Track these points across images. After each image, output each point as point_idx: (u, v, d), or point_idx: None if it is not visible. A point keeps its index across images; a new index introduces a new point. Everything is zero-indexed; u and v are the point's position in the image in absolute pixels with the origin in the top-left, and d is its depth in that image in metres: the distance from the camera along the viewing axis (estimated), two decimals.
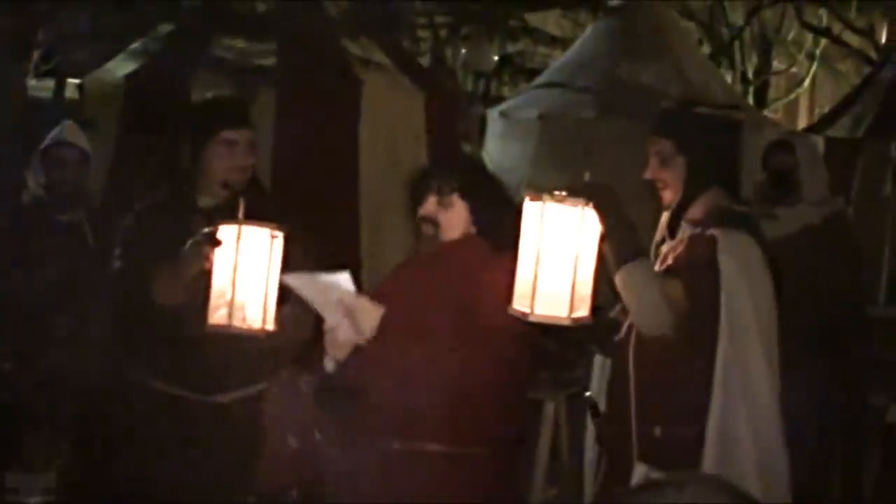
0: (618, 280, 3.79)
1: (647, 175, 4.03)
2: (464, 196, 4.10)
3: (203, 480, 4.47)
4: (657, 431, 3.93)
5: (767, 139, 7.01)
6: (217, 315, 3.97)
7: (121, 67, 9.08)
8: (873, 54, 19.98)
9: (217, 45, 8.89)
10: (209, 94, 7.22)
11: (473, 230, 4.12)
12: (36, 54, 12.39)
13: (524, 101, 12.64)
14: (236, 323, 3.97)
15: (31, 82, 12.96)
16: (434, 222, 4.10)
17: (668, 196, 4.02)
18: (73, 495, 5.32)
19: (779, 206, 6.10)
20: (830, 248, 6.10)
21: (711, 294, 3.83)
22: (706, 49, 20.49)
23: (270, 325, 4.01)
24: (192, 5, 9.42)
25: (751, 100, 20.16)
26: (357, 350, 3.97)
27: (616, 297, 3.94)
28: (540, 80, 13.22)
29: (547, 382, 6.52)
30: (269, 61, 8.81)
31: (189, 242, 4.11)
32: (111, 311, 4.84)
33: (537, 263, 3.54)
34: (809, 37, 21.99)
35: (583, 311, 3.59)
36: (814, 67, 22.35)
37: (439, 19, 13.25)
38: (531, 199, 3.58)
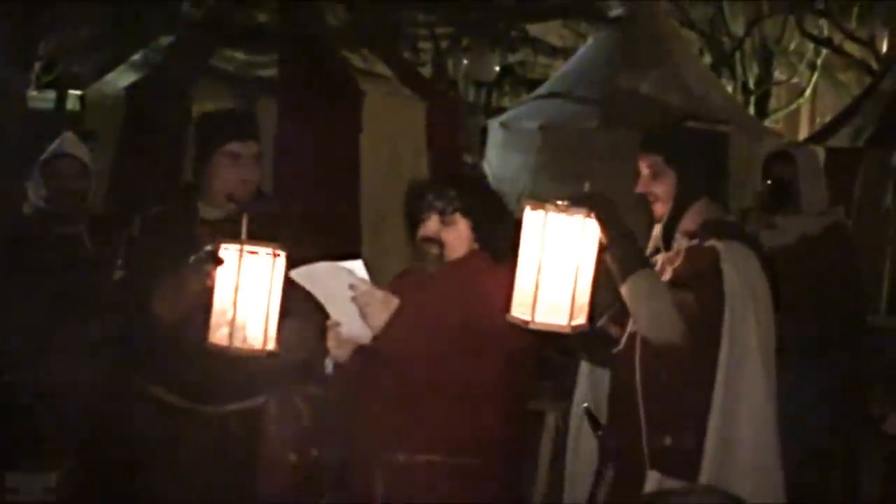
0: (625, 290, 3.81)
1: (639, 189, 4.09)
2: (465, 214, 4.11)
3: (201, 490, 4.46)
4: (667, 441, 3.94)
5: (768, 150, 7.01)
6: (218, 334, 3.96)
7: (122, 79, 9.09)
8: (874, 64, 20.00)
9: (218, 56, 8.90)
10: (214, 106, 7.24)
11: (476, 245, 4.12)
12: (37, 66, 12.42)
13: (525, 111, 12.66)
14: (237, 343, 3.95)
15: (33, 94, 12.99)
16: (438, 242, 4.09)
17: (660, 209, 4.07)
18: (73, 497, 5.34)
19: (779, 215, 6.10)
20: (830, 258, 6.11)
21: (718, 303, 3.86)
22: (707, 59, 20.53)
23: (272, 345, 3.99)
24: (193, 16, 9.43)
25: (752, 110, 20.19)
26: (359, 352, 3.97)
27: (602, 308, 3.98)
28: (541, 90, 13.25)
29: (549, 392, 6.51)
30: (271, 72, 8.82)
31: (191, 260, 4.11)
32: (111, 321, 4.83)
33: (539, 272, 3.55)
34: (810, 47, 22.02)
35: (581, 319, 3.62)
36: (815, 77, 22.37)
37: (440, 30, 13.26)
38: (532, 209, 3.60)
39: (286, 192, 7.92)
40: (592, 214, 3.64)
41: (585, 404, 4.24)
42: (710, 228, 3.98)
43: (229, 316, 3.94)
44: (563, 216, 3.59)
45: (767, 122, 19.85)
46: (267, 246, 3.97)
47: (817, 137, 12.76)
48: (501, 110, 15.19)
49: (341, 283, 3.86)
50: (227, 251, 3.96)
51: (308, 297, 3.97)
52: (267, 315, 3.96)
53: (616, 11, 12.75)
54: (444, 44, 16.93)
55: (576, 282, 3.58)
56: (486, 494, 4.01)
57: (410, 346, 3.90)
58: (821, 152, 11.32)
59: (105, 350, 5.30)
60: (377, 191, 8.66)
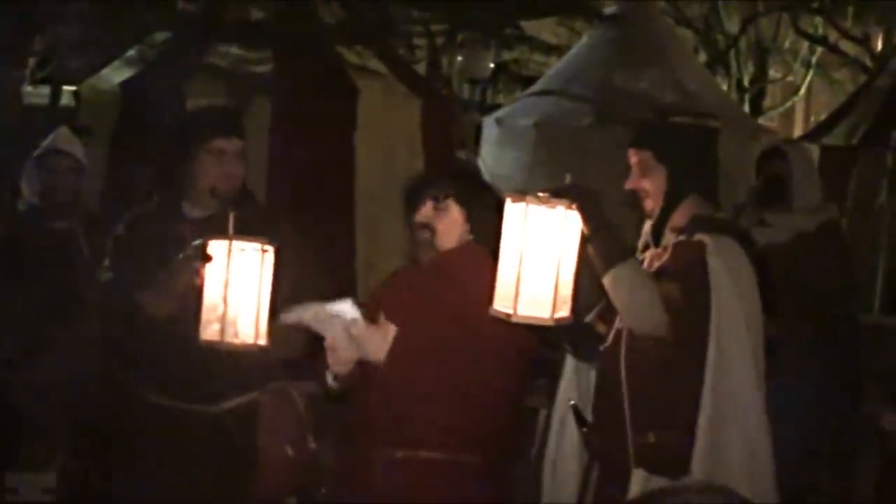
0: (608, 281, 3.81)
1: (629, 185, 4.10)
2: (459, 202, 4.11)
3: (199, 489, 4.46)
4: (651, 437, 3.95)
5: (762, 147, 7.01)
6: (209, 330, 3.97)
7: (116, 75, 9.08)
8: (869, 62, 20.04)
9: (213, 52, 8.89)
10: (209, 103, 7.22)
11: (470, 237, 4.12)
12: (32, 61, 12.40)
13: (520, 108, 12.66)
14: (228, 338, 3.96)
15: (27, 89, 12.97)
16: (430, 228, 4.10)
17: (650, 205, 4.08)
18: (73, 497, 5.33)
19: (772, 212, 6.10)
20: (824, 255, 6.10)
21: (703, 296, 3.87)
22: (702, 57, 20.52)
23: (263, 340, 4.00)
24: (187, 13, 9.42)
25: (747, 108, 20.20)
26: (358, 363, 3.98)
27: (591, 302, 3.98)
28: (535, 87, 13.24)
29: (543, 390, 6.51)
30: (265, 69, 8.81)
31: (179, 257, 4.10)
32: (102, 321, 4.82)
33: (520, 264, 3.56)
34: (805, 45, 22.04)
35: (564, 311, 3.62)
36: (810, 75, 22.40)
37: (435, 27, 13.25)
38: (513, 201, 3.61)
39: (280, 189, 7.92)
40: (574, 206, 3.65)
41: (572, 401, 4.24)
42: (699, 223, 3.98)
43: (220, 312, 3.94)
44: (544, 208, 3.59)
45: (762, 120, 19.86)
46: (255, 241, 3.97)
47: (812, 135, 12.75)
48: (496, 107, 15.18)
49: (334, 323, 3.90)
50: (216, 247, 3.97)
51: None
52: (258, 310, 3.97)
53: (611, 9, 12.74)
54: (439, 41, 16.92)
55: (558, 274, 3.58)
56: (482, 491, 4.02)
57: (414, 367, 3.94)
58: (815, 150, 11.34)
59: (98, 348, 5.30)
60: (372, 187, 8.66)
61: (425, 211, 4.11)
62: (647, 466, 3.95)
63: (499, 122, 12.44)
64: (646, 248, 4.13)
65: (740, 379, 3.90)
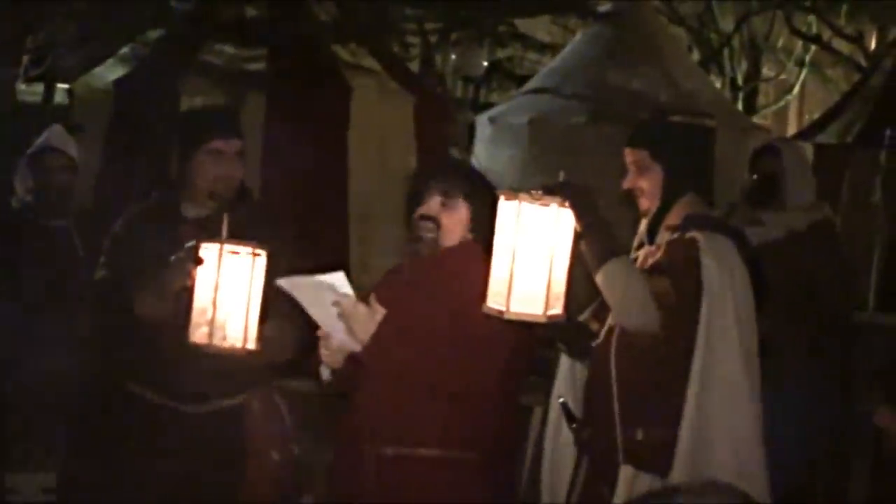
0: (599, 278, 3.83)
1: (626, 185, 4.11)
2: (469, 201, 4.10)
3: (187, 488, 4.45)
4: (640, 434, 3.96)
5: (755, 145, 7.00)
6: (198, 333, 3.97)
7: (110, 72, 9.08)
8: (863, 61, 20.04)
9: (206, 50, 8.89)
10: (199, 103, 7.21)
11: (470, 236, 4.11)
12: (25, 59, 12.39)
13: (514, 106, 12.66)
14: (217, 342, 3.96)
15: (21, 87, 12.97)
16: (436, 222, 4.08)
17: (646, 204, 4.09)
18: (73, 497, 5.32)
19: (765, 211, 6.09)
20: (817, 254, 6.10)
21: (694, 293, 3.88)
22: (696, 55, 20.52)
23: (252, 345, 3.99)
24: (181, 11, 9.42)
25: (740, 106, 20.21)
26: (352, 357, 3.97)
27: (585, 302, 3.99)
28: (529, 85, 13.23)
29: (536, 388, 6.50)
30: (259, 67, 8.81)
31: (172, 259, 4.10)
32: (94, 319, 4.81)
33: (513, 262, 3.57)
34: (799, 43, 22.04)
35: (557, 309, 3.63)
36: (803, 74, 22.39)
37: (429, 25, 13.25)
38: (506, 199, 3.62)
39: (274, 188, 7.91)
40: (567, 204, 3.65)
41: (561, 399, 4.25)
42: (693, 221, 4.00)
43: (209, 315, 3.94)
44: (536, 206, 3.60)
45: (756, 119, 19.85)
46: (247, 245, 3.97)
47: (806, 134, 12.77)
48: (490, 106, 15.16)
49: (325, 297, 3.87)
50: (208, 250, 3.96)
51: (290, 295, 3.97)
52: (247, 314, 3.97)
53: (605, 7, 12.73)
54: (432, 39, 16.91)
55: (551, 272, 3.59)
56: (477, 489, 4.01)
57: (398, 356, 3.91)
58: (809, 149, 11.35)
59: (91, 345, 5.30)
60: (365, 186, 8.67)
61: (433, 204, 4.09)
62: (635, 463, 3.97)
63: (492, 120, 12.44)
64: (640, 246, 4.14)
65: (729, 377, 3.90)
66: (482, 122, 12.71)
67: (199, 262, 3.96)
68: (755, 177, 6.21)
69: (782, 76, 23.16)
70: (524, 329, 3.78)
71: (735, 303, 3.92)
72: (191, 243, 4.02)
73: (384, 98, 9.11)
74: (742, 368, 3.92)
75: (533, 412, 6.57)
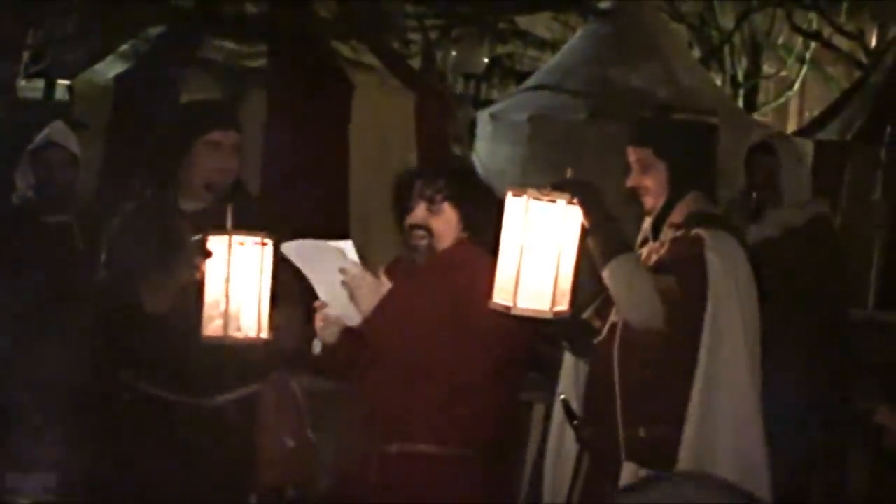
0: (606, 274, 3.83)
1: (630, 183, 4.12)
2: (453, 202, 4.09)
3: (202, 482, 4.45)
4: (642, 431, 3.97)
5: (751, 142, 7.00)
6: (212, 326, 3.98)
7: (110, 69, 9.09)
8: (863, 58, 20.02)
9: (207, 46, 8.89)
10: (196, 97, 7.21)
11: (464, 235, 4.11)
12: (26, 55, 12.39)
13: (514, 103, 12.66)
14: (232, 333, 3.98)
15: (21, 83, 12.96)
16: (426, 229, 4.08)
17: (650, 202, 4.10)
18: (73, 496, 5.32)
19: (762, 207, 6.09)
20: (814, 250, 6.09)
21: (701, 289, 3.89)
22: (696, 52, 20.49)
23: (266, 333, 4.01)
24: (182, 7, 9.42)
25: (740, 103, 20.18)
26: (347, 335, 3.96)
27: (588, 299, 3.99)
28: (530, 82, 13.23)
29: (539, 384, 6.51)
30: (260, 63, 8.82)
31: (180, 253, 4.10)
32: (99, 316, 4.81)
33: (521, 258, 3.57)
34: (799, 40, 22.00)
35: (563, 305, 3.63)
36: (804, 71, 22.35)
37: (429, 21, 13.24)
38: (514, 195, 3.62)
39: (274, 183, 7.92)
40: (575, 200, 3.65)
41: (563, 396, 4.25)
42: (696, 219, 4.00)
43: (222, 307, 3.95)
44: (544, 202, 3.61)
45: (756, 116, 19.84)
46: (255, 235, 3.98)
47: (806, 131, 12.79)
48: (490, 102, 15.15)
49: (331, 263, 3.85)
50: (216, 243, 3.96)
51: (295, 281, 3.97)
52: (259, 303, 3.98)
53: (605, 4, 12.73)
54: (433, 35, 16.89)
55: (558, 268, 3.59)
56: (478, 485, 4.01)
57: (398, 332, 3.90)
58: (810, 146, 11.36)
59: (94, 342, 5.30)
60: (366, 182, 8.66)
61: (419, 212, 4.08)
62: (638, 460, 3.97)
63: (493, 116, 12.44)
64: (644, 243, 4.14)
65: (734, 375, 3.91)
66: (483, 118, 12.72)
67: (208, 255, 3.97)
68: (751, 174, 6.20)
69: (783, 73, 23.12)
70: (528, 325, 3.78)
71: (740, 300, 3.93)
72: (198, 236, 4.02)
73: (385, 94, 9.11)
74: (746, 366, 3.93)
75: (534, 409, 6.58)
